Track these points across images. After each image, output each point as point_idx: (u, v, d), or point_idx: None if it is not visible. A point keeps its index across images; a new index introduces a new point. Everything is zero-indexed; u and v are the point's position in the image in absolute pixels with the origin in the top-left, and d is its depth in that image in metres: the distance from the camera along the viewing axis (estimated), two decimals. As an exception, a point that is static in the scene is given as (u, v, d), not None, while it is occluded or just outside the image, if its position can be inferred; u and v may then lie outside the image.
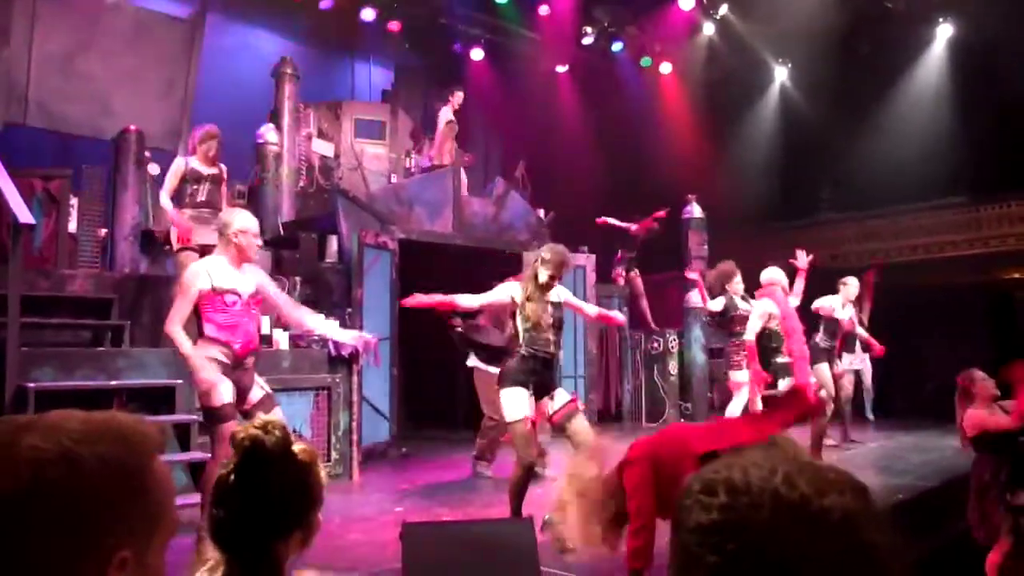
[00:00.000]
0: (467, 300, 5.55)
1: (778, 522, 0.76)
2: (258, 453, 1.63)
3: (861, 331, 9.16)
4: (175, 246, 6.92)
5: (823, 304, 8.56)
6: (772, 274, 7.33)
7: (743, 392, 7.68)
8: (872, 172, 13.23)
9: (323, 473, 1.74)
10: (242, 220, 4.83)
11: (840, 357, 8.87)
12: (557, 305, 5.33)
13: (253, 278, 4.83)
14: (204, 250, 6.99)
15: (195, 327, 4.68)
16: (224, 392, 4.49)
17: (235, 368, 4.59)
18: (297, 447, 1.68)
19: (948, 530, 6.44)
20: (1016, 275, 14.06)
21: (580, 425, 5.14)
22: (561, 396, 5.22)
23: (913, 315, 12.86)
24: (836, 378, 8.62)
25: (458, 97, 11.09)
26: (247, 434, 1.65)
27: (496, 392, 5.44)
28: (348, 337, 5.91)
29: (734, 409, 7.93)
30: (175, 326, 4.54)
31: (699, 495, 0.81)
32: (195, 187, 6.96)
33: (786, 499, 0.78)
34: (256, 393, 4.72)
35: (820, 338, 8.51)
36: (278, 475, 1.63)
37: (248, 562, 1.59)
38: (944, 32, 13.16)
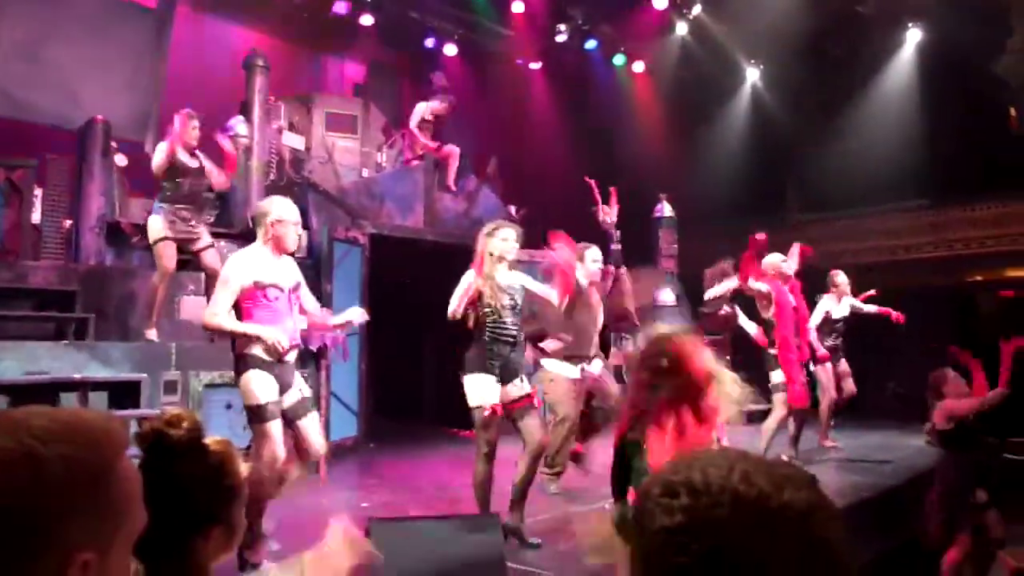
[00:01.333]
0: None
1: (739, 520, 0.78)
2: (162, 447, 1.54)
3: (871, 308, 8.97)
4: (152, 238, 6.87)
5: (816, 317, 8.39)
6: (771, 259, 7.35)
7: None
8: (840, 174, 13.37)
9: (243, 467, 1.65)
10: (280, 209, 4.56)
11: (845, 355, 8.75)
12: (514, 288, 5.23)
13: (293, 269, 4.61)
14: (180, 244, 6.97)
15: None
16: (267, 389, 4.28)
17: (275, 365, 4.35)
18: (210, 440, 1.60)
19: (912, 527, 6.53)
20: (979, 278, 14.26)
21: (531, 424, 5.02)
22: (520, 387, 5.11)
23: (877, 317, 13.01)
24: (839, 377, 8.66)
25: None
26: (150, 427, 1.56)
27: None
28: (353, 315, 5.23)
29: None
30: (218, 317, 4.30)
31: (660, 498, 0.83)
32: (179, 180, 6.86)
33: (745, 497, 0.79)
34: (292, 396, 4.46)
35: (822, 337, 8.55)
36: (187, 468, 1.54)
37: (168, 566, 1.49)
38: (913, 36, 13.30)
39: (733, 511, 0.79)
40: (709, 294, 8.09)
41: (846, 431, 9.60)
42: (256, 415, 4.28)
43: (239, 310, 4.36)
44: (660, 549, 0.80)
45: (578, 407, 6.17)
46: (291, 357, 4.47)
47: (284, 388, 4.42)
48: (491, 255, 5.16)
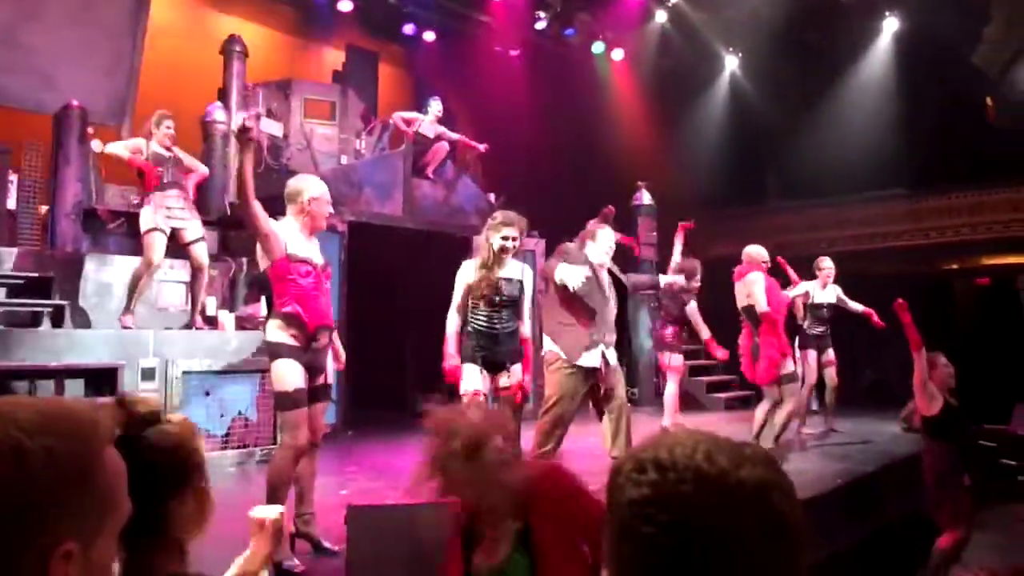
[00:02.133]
0: (451, 324, 5.31)
1: (701, 494, 0.85)
2: (130, 424, 1.58)
3: (856, 306, 8.81)
4: (142, 228, 6.91)
5: (797, 292, 8.41)
6: (754, 250, 7.17)
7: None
8: (817, 162, 13.45)
9: (202, 443, 1.72)
10: (315, 187, 4.51)
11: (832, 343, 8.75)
12: (510, 281, 5.23)
13: (320, 249, 4.57)
14: (176, 234, 7.01)
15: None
16: (295, 377, 4.24)
17: (306, 350, 4.31)
18: (169, 416, 1.67)
19: (886, 512, 6.62)
20: (955, 266, 14.42)
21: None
22: (507, 379, 5.16)
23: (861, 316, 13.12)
24: (823, 366, 8.68)
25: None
26: (116, 408, 1.60)
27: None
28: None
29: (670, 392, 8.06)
30: (254, 204, 4.24)
31: (630, 473, 0.90)
32: (160, 169, 7.00)
33: (707, 473, 0.86)
34: (319, 380, 4.47)
35: (808, 324, 8.57)
36: (155, 441, 1.60)
37: (147, 543, 1.54)
38: (890, 26, 13.39)
39: (695, 486, 0.86)
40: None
41: (820, 418, 9.67)
42: (283, 402, 4.29)
43: (271, 289, 4.32)
44: (630, 520, 0.87)
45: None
46: (322, 340, 4.43)
47: (316, 372, 4.42)
48: (491, 246, 5.23)
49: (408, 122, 10.61)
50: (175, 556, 1.61)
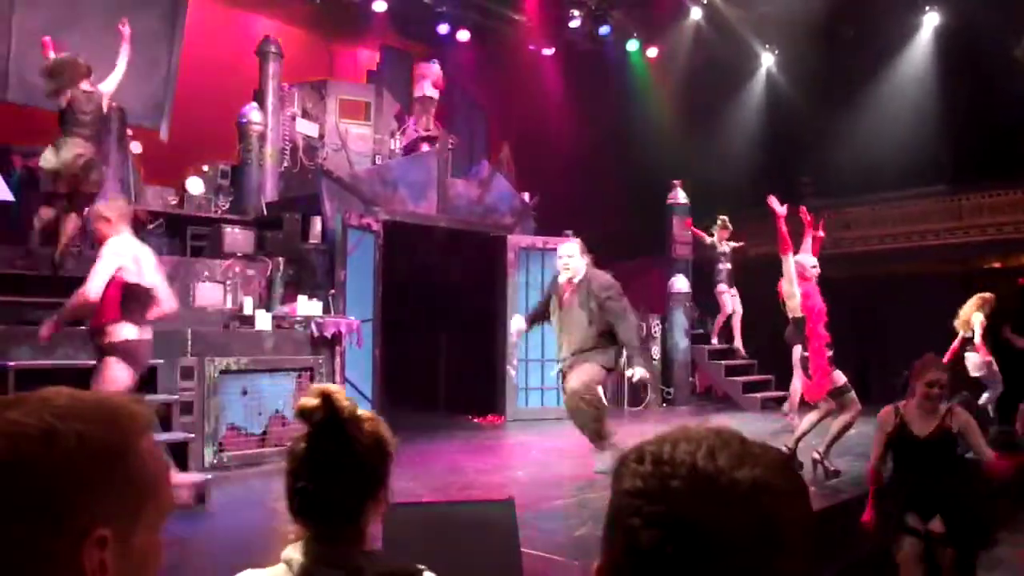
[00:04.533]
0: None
1: (691, 492, 0.83)
2: (335, 420, 1.62)
3: None
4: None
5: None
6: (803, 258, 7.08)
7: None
8: (854, 159, 13.29)
9: (388, 433, 1.74)
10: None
11: None
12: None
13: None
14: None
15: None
16: None
17: None
18: (360, 411, 1.69)
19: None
20: (996, 264, 14.17)
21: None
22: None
23: (890, 303, 12.97)
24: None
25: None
26: (319, 404, 1.63)
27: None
28: None
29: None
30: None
31: (632, 462, 0.89)
32: None
33: (701, 471, 0.84)
34: None
35: None
36: (358, 437, 1.63)
37: (343, 530, 1.61)
38: (931, 20, 13.19)
39: (686, 483, 0.84)
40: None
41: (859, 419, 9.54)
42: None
43: None
44: (622, 508, 0.87)
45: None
46: None
47: None
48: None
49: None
50: (363, 543, 1.65)
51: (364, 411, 1.69)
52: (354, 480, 1.61)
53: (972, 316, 9.28)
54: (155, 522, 0.95)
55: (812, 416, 6.91)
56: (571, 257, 6.68)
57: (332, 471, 1.60)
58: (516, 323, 7.18)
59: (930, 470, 4.34)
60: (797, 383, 8.75)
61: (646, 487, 0.86)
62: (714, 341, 12.02)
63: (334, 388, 1.67)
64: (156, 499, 0.95)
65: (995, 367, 9.33)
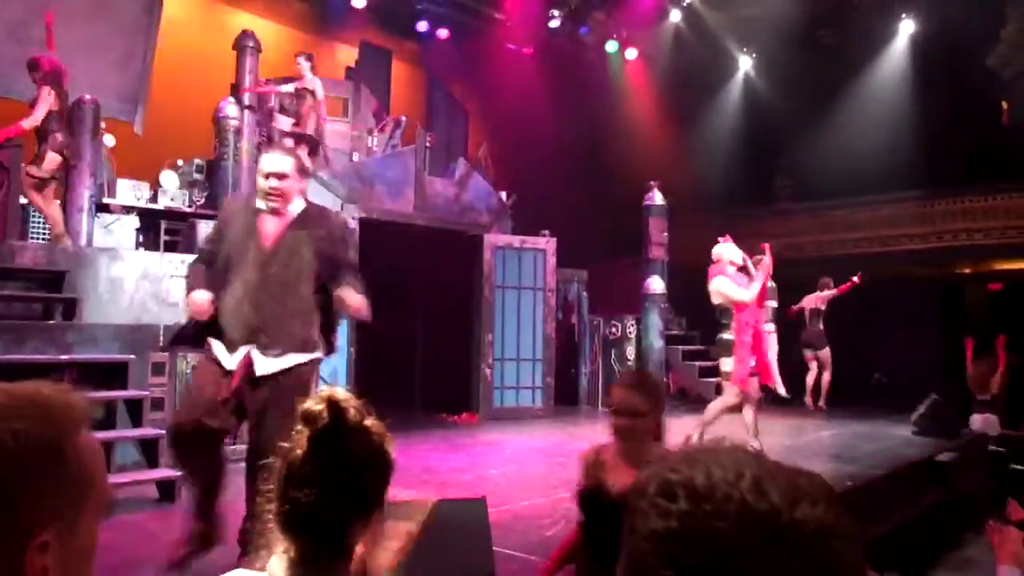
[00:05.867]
0: None
1: (744, 537, 0.69)
2: (338, 427, 1.49)
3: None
4: None
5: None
6: (722, 250, 7.14)
7: None
8: (831, 163, 13.39)
9: (392, 448, 1.59)
10: None
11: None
12: None
13: None
14: None
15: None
16: None
17: None
18: (369, 421, 1.55)
19: (893, 515, 6.58)
20: (968, 270, 14.33)
21: None
22: None
23: (866, 307, 13.07)
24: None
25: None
26: (325, 407, 1.50)
27: None
28: None
29: None
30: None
31: (656, 498, 0.74)
32: None
33: (754, 510, 0.71)
34: None
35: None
36: (358, 449, 1.50)
37: (328, 546, 1.47)
38: (906, 27, 13.31)
39: (737, 524, 0.70)
40: None
41: (832, 421, 9.66)
42: None
43: None
44: (649, 556, 0.72)
45: None
46: None
47: None
48: None
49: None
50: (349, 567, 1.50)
51: (373, 421, 1.56)
52: (350, 496, 1.48)
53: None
54: (95, 518, 0.92)
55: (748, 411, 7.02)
56: (282, 178, 3.92)
57: (328, 484, 1.47)
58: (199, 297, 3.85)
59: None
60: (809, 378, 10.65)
61: (684, 529, 0.71)
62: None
63: (342, 395, 1.54)
64: (95, 494, 0.92)
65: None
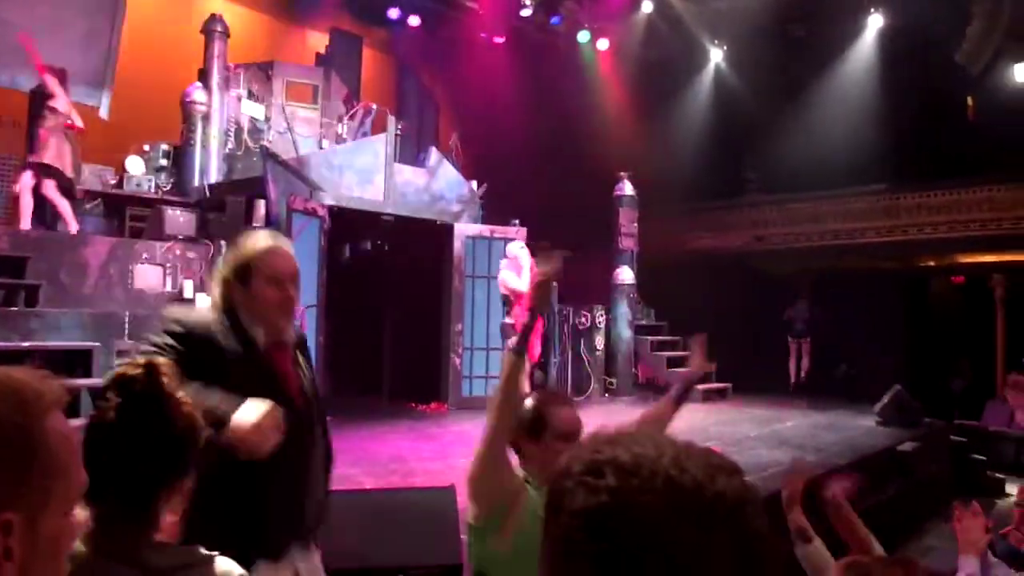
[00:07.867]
0: None
1: (672, 508, 0.73)
2: (145, 394, 1.46)
3: None
4: None
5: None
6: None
7: None
8: (798, 156, 13.50)
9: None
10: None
11: None
12: None
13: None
14: None
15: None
16: None
17: None
18: (181, 392, 1.51)
19: (858, 504, 6.66)
20: (931, 263, 14.53)
21: None
22: None
23: (830, 299, 13.23)
24: None
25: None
26: (142, 371, 1.47)
27: None
28: None
29: None
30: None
31: (583, 476, 0.76)
32: None
33: (679, 483, 0.74)
34: None
35: None
36: (169, 417, 1.46)
37: (128, 512, 1.42)
38: (875, 22, 13.43)
39: (664, 497, 0.73)
40: None
41: (797, 411, 9.76)
42: None
43: None
44: (580, 532, 0.74)
45: None
46: None
47: None
48: None
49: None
50: (153, 533, 1.46)
51: (184, 394, 1.52)
52: (162, 461, 1.44)
53: None
54: (66, 504, 0.91)
55: None
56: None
57: (140, 447, 1.42)
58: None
59: None
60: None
61: (615, 504, 0.73)
62: None
63: (162, 361, 1.52)
64: (66, 480, 0.91)
65: None
